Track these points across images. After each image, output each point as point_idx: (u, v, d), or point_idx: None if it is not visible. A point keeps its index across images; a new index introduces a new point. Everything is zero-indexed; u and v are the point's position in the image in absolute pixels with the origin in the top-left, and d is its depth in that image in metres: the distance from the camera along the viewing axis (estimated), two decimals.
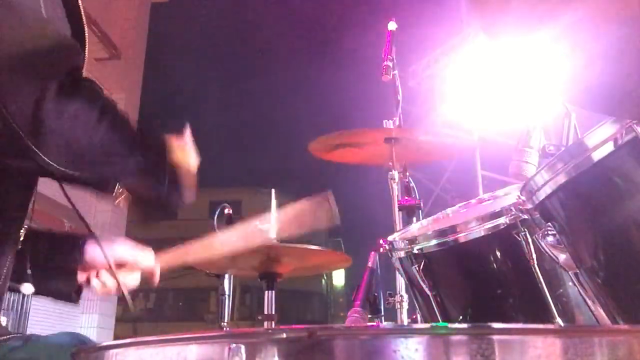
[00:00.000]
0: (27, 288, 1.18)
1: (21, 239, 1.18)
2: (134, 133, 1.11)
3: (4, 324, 1.20)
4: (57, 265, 1.30)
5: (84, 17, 1.13)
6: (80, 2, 1.12)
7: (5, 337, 1.14)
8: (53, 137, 0.96)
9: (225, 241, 1.41)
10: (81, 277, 1.32)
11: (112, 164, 1.08)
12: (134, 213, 1.20)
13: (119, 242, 1.37)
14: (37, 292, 1.30)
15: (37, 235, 1.31)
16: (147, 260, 1.36)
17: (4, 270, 1.13)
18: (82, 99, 1.00)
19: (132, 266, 1.35)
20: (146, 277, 1.38)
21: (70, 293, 1.32)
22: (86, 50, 1.13)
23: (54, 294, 1.32)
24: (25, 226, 1.18)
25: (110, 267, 1.28)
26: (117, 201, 1.11)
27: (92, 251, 1.31)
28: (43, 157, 0.96)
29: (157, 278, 1.38)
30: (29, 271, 1.23)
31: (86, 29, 1.14)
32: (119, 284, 1.31)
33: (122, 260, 1.33)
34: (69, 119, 0.97)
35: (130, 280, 1.34)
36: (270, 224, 1.36)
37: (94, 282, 1.32)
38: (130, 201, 1.15)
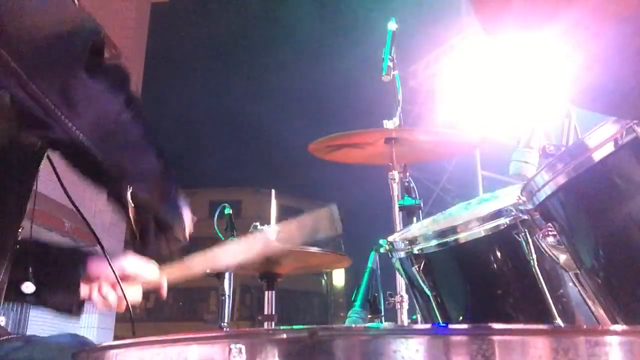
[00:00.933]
0: (29, 287, 1.18)
1: (19, 237, 1.18)
2: (153, 133, 1.12)
3: (2, 323, 1.19)
4: (59, 279, 1.31)
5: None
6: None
7: (4, 337, 1.14)
8: (83, 110, 0.96)
9: (230, 252, 1.43)
10: (84, 290, 1.32)
11: (134, 154, 1.09)
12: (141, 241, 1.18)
13: (124, 255, 1.38)
14: (38, 303, 1.30)
15: (42, 247, 1.32)
16: (151, 274, 1.37)
17: (2, 269, 1.13)
18: (108, 79, 1.01)
19: (136, 280, 1.35)
20: (154, 289, 1.39)
21: (72, 306, 1.32)
22: None
23: (55, 306, 1.32)
24: (22, 227, 1.18)
25: (115, 279, 1.28)
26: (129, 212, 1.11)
27: (96, 266, 1.32)
28: (72, 127, 0.96)
29: (164, 291, 1.39)
30: (30, 270, 1.23)
31: None
32: (121, 298, 1.32)
33: (126, 274, 1.33)
34: (98, 94, 0.99)
35: (133, 294, 1.34)
36: (273, 229, 1.38)
37: (95, 296, 1.33)
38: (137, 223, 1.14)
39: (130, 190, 1.08)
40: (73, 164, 1.06)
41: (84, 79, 0.96)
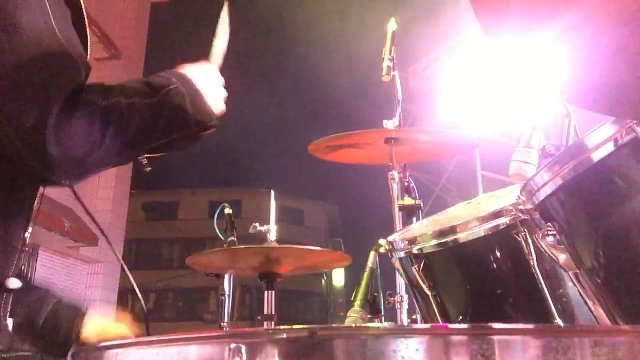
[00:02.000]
0: (14, 282, 1.19)
1: (27, 240, 1.18)
2: (142, 112, 1.11)
3: (10, 327, 1.19)
4: (54, 333, 1.34)
5: (87, 24, 1.14)
6: (84, 9, 1.13)
7: (14, 353, 1.13)
8: (59, 157, 0.97)
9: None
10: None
11: (127, 153, 1.12)
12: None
13: (112, 319, 1.44)
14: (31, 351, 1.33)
15: (44, 297, 1.36)
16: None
17: (9, 272, 1.13)
18: (82, 116, 1.01)
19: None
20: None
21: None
22: (88, 54, 1.14)
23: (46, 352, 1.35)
24: (30, 229, 1.19)
25: None
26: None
27: (88, 329, 1.37)
28: (50, 176, 0.99)
29: None
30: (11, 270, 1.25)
31: (89, 35, 1.14)
32: None
33: (107, 337, 1.38)
34: (72, 136, 0.98)
35: None
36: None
37: None
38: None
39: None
40: None
41: (58, 122, 0.96)
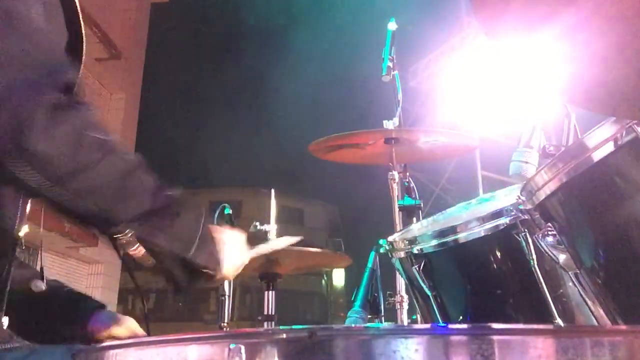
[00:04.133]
0: (38, 285, 1.18)
1: (22, 237, 1.18)
2: (140, 172, 1.02)
3: (5, 324, 1.18)
4: (63, 331, 1.33)
5: (82, 23, 1.11)
6: (78, 8, 1.11)
7: (7, 345, 1.12)
8: (40, 149, 0.87)
9: None
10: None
11: (113, 193, 0.98)
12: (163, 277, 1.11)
13: (123, 320, 1.41)
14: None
15: (53, 293, 1.33)
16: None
17: (3, 271, 1.13)
18: (75, 118, 0.93)
19: None
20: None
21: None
22: (83, 55, 1.11)
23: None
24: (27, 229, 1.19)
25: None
26: (129, 249, 1.02)
27: (96, 323, 1.35)
28: (22, 168, 0.88)
29: None
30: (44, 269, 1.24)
31: (84, 34, 1.12)
32: None
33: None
34: (60, 138, 0.90)
35: None
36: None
37: None
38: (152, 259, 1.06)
39: (131, 235, 1.00)
40: (47, 204, 0.99)
41: (41, 118, 0.87)
